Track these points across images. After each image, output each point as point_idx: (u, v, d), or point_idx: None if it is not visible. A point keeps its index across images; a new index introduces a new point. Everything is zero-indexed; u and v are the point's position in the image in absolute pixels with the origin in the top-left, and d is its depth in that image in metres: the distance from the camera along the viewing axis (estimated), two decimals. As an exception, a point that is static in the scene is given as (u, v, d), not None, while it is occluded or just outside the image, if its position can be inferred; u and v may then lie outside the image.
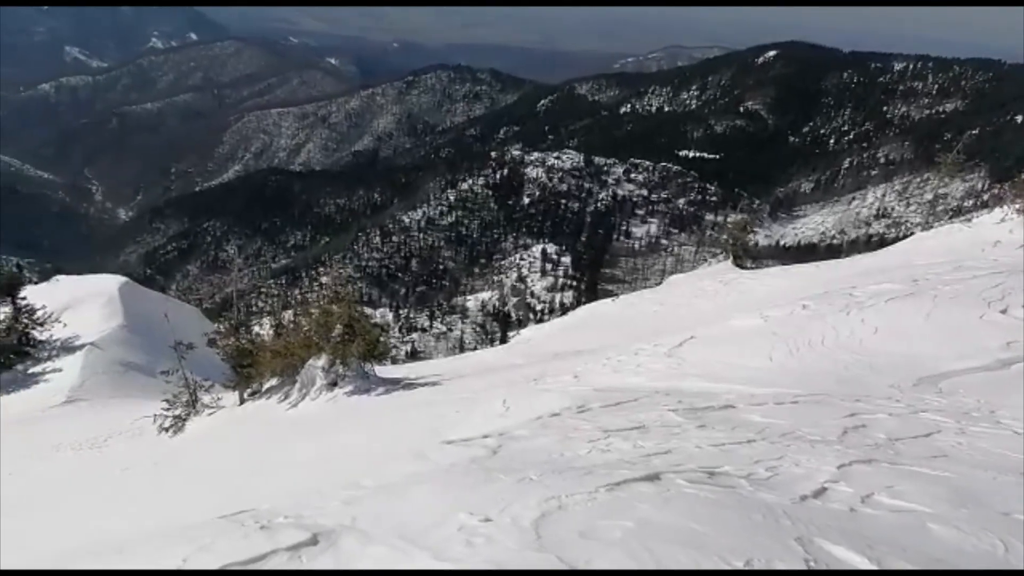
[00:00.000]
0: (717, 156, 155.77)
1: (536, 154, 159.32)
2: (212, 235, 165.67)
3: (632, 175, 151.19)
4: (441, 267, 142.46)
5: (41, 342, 25.67)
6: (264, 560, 2.28)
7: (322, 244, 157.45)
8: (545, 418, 4.80)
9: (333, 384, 10.65)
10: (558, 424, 4.49)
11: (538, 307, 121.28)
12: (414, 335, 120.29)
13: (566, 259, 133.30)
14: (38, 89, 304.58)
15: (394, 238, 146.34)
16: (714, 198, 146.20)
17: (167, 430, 11.68)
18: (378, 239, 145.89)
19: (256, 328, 15.52)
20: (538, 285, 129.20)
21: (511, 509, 2.61)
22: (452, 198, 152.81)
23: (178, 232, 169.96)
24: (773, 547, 2.33)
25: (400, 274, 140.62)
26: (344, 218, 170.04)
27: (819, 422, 4.22)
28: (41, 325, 25.62)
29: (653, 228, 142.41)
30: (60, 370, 24.53)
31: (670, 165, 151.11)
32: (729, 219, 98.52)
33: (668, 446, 3.69)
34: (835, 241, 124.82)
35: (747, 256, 18.58)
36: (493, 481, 3.10)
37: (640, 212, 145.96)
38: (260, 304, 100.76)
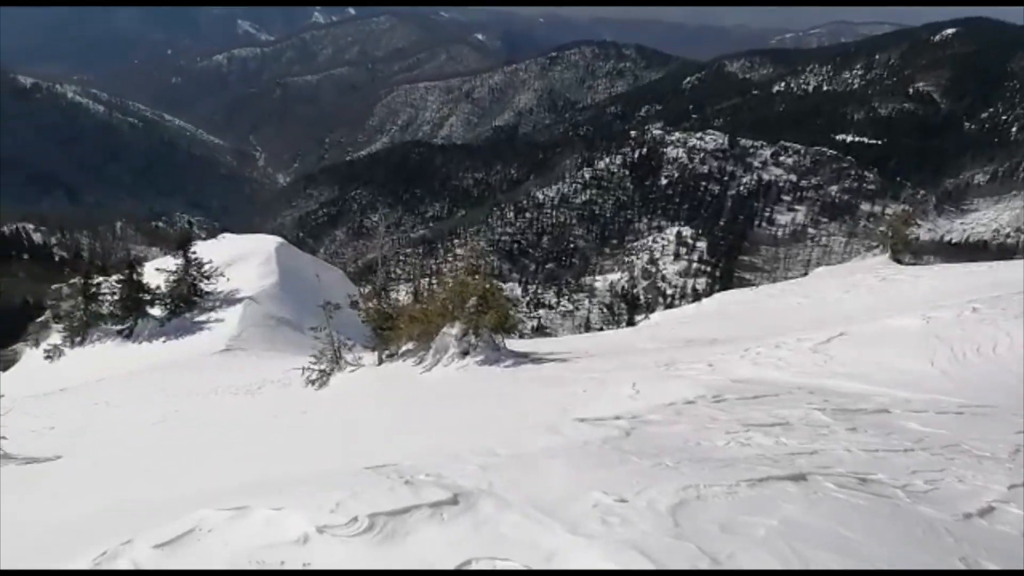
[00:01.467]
0: (879, 141, 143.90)
1: (678, 134, 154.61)
2: (358, 203, 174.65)
3: (781, 158, 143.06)
4: (572, 245, 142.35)
5: (207, 293, 28.27)
6: (408, 513, 2.40)
7: (458, 217, 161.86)
8: (679, 405, 4.69)
9: (465, 353, 10.98)
10: (693, 412, 4.38)
11: (668, 292, 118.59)
12: (540, 311, 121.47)
13: (702, 244, 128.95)
14: (212, 60, 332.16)
15: (527, 214, 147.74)
16: (872, 187, 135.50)
17: (313, 383, 12.53)
18: (512, 214, 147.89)
19: (393, 294, 16.25)
20: (670, 269, 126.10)
21: (647, 493, 2.58)
22: (587, 176, 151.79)
23: (329, 199, 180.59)
24: (933, 564, 2.16)
25: (531, 250, 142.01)
26: (481, 192, 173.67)
27: (987, 436, 3.84)
28: (208, 278, 28.20)
29: (800, 216, 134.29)
30: (222, 320, 26.94)
31: (824, 149, 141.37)
32: (888, 210, 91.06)
33: (814, 446, 3.50)
34: (1010, 240, 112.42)
35: (907, 251, 17.12)
36: (627, 463, 3.08)
37: (786, 198, 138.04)
38: (398, 271, 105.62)
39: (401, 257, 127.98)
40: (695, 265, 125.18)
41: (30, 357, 29.37)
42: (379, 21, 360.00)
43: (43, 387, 19.90)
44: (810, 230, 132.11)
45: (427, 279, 17.89)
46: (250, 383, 14.75)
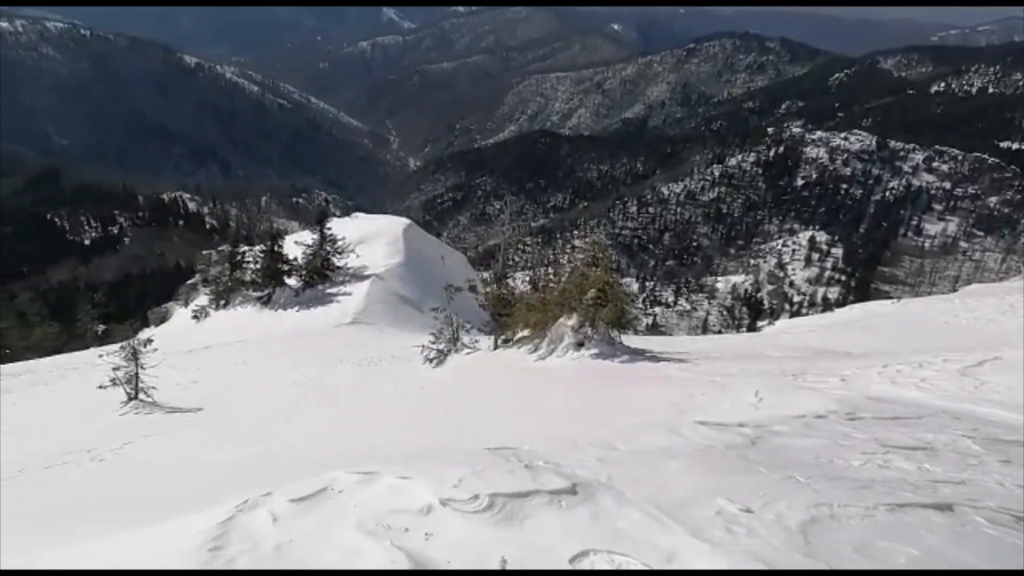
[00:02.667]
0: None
1: (819, 133, 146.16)
2: (483, 190, 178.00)
3: (934, 164, 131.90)
4: (695, 244, 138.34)
5: (338, 268, 29.74)
6: (527, 497, 2.41)
7: (579, 208, 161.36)
8: (808, 418, 4.44)
9: (580, 344, 10.93)
10: (825, 428, 4.12)
11: (796, 299, 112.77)
12: (656, 309, 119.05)
13: (837, 251, 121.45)
14: (358, 46, 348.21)
15: (651, 209, 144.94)
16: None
17: (431, 361, 12.92)
18: (634, 208, 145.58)
19: (511, 281, 16.41)
20: (799, 275, 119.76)
21: (775, 506, 2.46)
22: (717, 173, 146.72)
23: (455, 184, 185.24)
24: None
25: (651, 246, 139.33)
26: (604, 184, 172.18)
27: None
28: (340, 253, 29.65)
29: (951, 227, 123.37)
30: (349, 295, 28.27)
31: (985, 156, 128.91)
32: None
33: (962, 476, 3.20)
34: None
35: (1080, 274, 15.33)
36: (753, 472, 2.95)
37: (938, 207, 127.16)
38: (516, 259, 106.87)
39: (521, 245, 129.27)
40: (827, 273, 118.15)
41: (179, 315, 32.02)
42: (516, 11, 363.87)
43: (189, 344, 21.66)
44: (962, 243, 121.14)
45: (546, 269, 17.90)
46: (372, 356, 15.42)
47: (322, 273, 29.40)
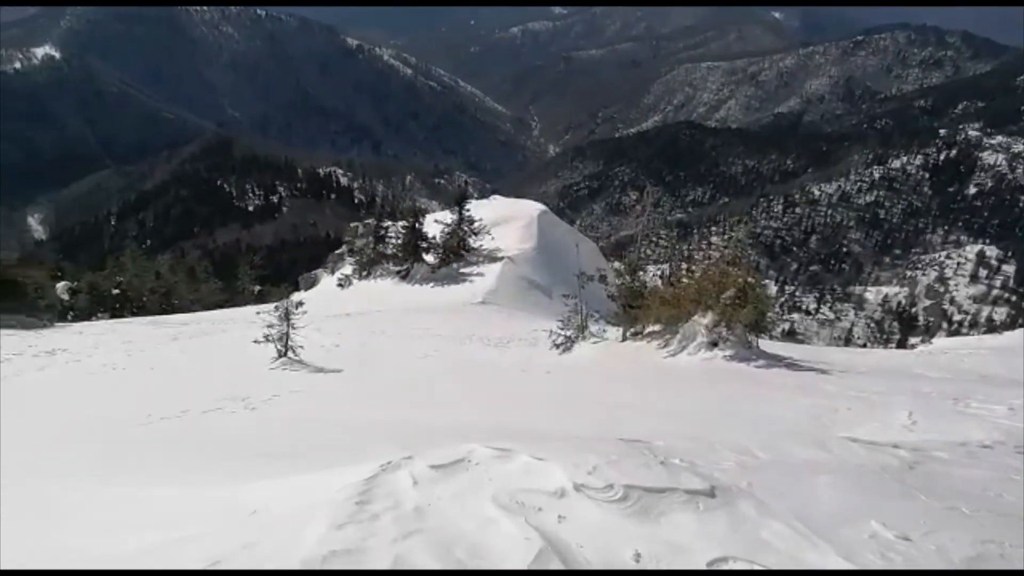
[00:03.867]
0: None
1: (1000, 138, 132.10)
2: (620, 180, 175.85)
3: None
4: (844, 249, 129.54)
5: (473, 249, 30.49)
6: (664, 494, 2.36)
7: (720, 204, 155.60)
8: (972, 447, 4.03)
9: (714, 344, 10.57)
10: (992, 459, 3.73)
11: (956, 317, 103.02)
12: (795, 315, 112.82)
13: (1008, 267, 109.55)
14: (509, 32, 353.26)
15: (797, 209, 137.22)
16: None
17: (558, 347, 12.98)
18: (780, 208, 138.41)
19: (640, 274, 16.11)
20: (962, 292, 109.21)
21: (936, 537, 2.25)
22: (877, 175, 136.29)
23: (592, 172, 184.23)
24: None
25: (795, 248, 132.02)
26: (749, 181, 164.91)
27: None
28: (476, 235, 30.36)
29: None
30: (482, 275, 28.91)
31: None
32: None
33: None
34: None
35: None
36: (911, 498, 2.71)
37: None
38: (649, 252, 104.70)
39: (655, 238, 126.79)
40: (995, 292, 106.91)
41: (326, 282, 34.09)
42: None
43: (333, 309, 23.01)
44: None
45: (681, 263, 17.43)
46: (500, 337, 15.69)
47: (458, 252, 30.25)
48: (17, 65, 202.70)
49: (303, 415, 6.05)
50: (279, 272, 56.45)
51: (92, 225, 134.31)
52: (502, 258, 29.22)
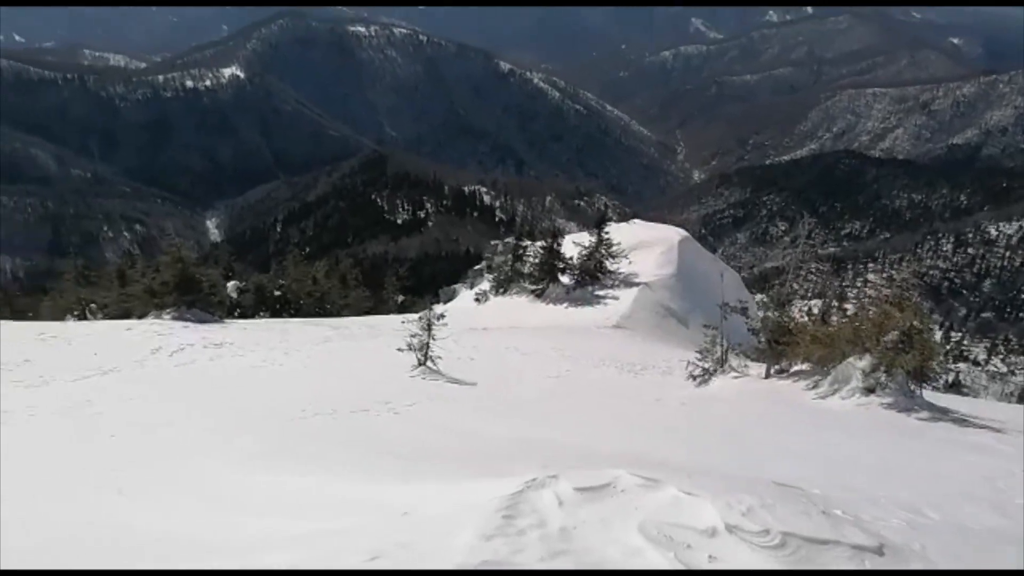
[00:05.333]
0: None
1: None
2: (768, 209, 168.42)
3: None
4: (1022, 296, 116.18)
5: (610, 272, 30.23)
6: (827, 546, 2.20)
7: (880, 239, 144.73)
8: None
9: (870, 390, 9.81)
10: None
11: None
12: (961, 365, 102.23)
13: None
14: (659, 56, 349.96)
15: (970, 249, 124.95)
16: None
17: (694, 378, 12.55)
18: (949, 247, 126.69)
19: (789, 308, 15.27)
20: None
21: None
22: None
23: (738, 200, 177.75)
24: None
25: (965, 292, 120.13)
26: (914, 216, 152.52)
27: None
28: (613, 258, 30.08)
29: None
30: (617, 299, 28.57)
31: None
32: None
33: None
34: None
35: None
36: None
37: None
38: (796, 285, 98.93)
39: (804, 271, 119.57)
40: None
41: (464, 296, 35.07)
42: (837, 21, 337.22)
43: (470, 323, 23.61)
44: None
45: (831, 300, 16.43)
46: (634, 362, 15.42)
47: (594, 274, 30.09)
48: (208, 83, 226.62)
49: (442, 423, 6.24)
50: (421, 284, 58.84)
51: (260, 231, 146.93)
52: (639, 283, 28.75)
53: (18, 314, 23.65)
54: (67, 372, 10.19)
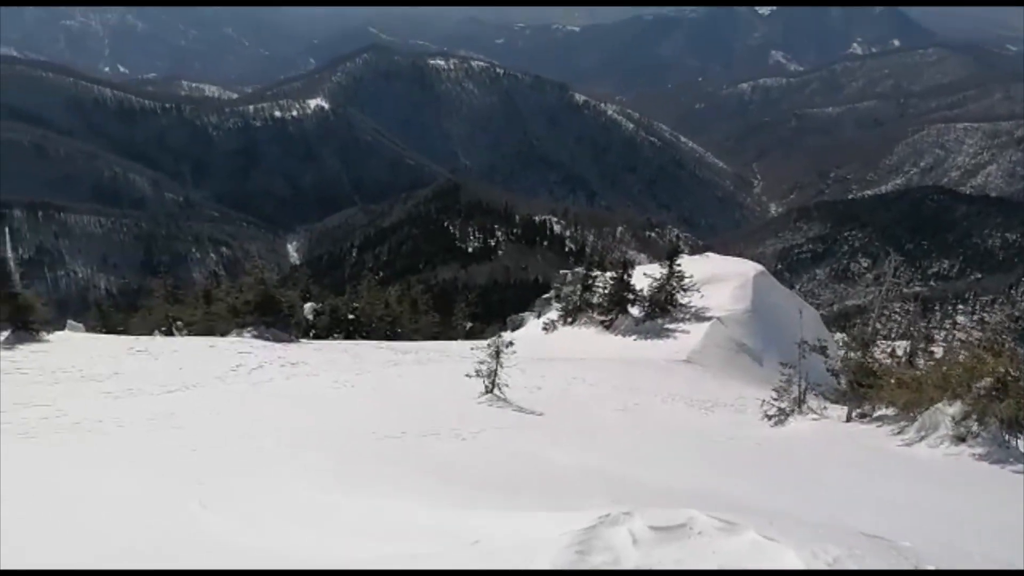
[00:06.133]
0: None
1: None
2: (849, 245, 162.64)
3: None
4: None
5: (681, 305, 29.68)
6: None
7: (970, 280, 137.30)
8: None
9: (960, 439, 9.24)
10: None
11: None
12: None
13: None
14: (737, 88, 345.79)
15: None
16: None
17: (769, 418, 12.12)
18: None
19: (873, 349, 14.61)
20: None
21: None
22: None
23: (817, 235, 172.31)
24: None
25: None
26: (1008, 256, 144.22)
27: None
28: (685, 291, 29.53)
29: None
30: (687, 333, 27.92)
31: None
32: None
33: None
34: None
35: None
36: None
37: None
38: (879, 325, 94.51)
39: (888, 311, 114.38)
40: None
41: (532, 325, 35.05)
42: (925, 53, 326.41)
43: (537, 352, 23.56)
44: None
45: (921, 342, 15.68)
46: (705, 399, 15.02)
47: (664, 307, 29.59)
48: (294, 113, 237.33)
49: (509, 451, 6.22)
50: (489, 311, 59.27)
51: (337, 255, 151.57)
52: (711, 317, 28.08)
53: (111, 329, 25.04)
54: (153, 385, 10.70)
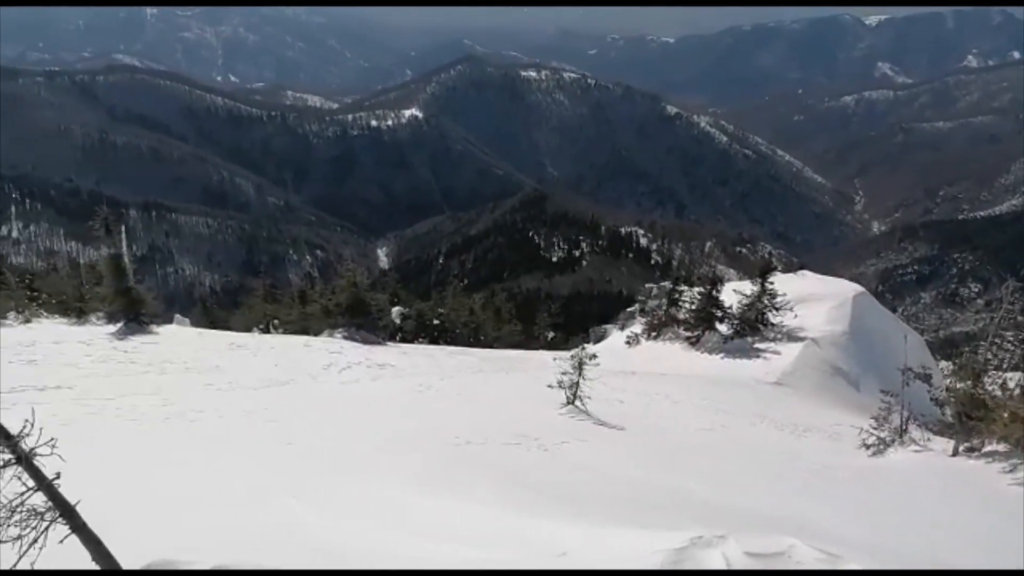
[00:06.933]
0: None
1: None
2: (959, 267, 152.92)
3: None
4: None
5: (772, 324, 28.61)
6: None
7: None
8: None
9: (1083, 481, 8.50)
10: None
11: None
12: None
13: None
14: (840, 101, 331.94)
15: None
16: None
17: (868, 447, 11.51)
18: None
19: (985, 380, 13.63)
20: None
21: None
22: None
23: (923, 256, 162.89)
24: None
25: None
26: None
27: None
28: (777, 310, 28.42)
29: None
30: (778, 354, 26.85)
31: None
32: None
33: None
34: None
35: None
36: None
37: None
38: (990, 355, 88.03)
39: (1001, 339, 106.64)
40: None
41: (614, 338, 34.63)
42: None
43: (619, 366, 23.27)
44: None
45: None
46: (796, 423, 14.41)
47: (755, 326, 28.61)
48: (389, 123, 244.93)
49: (592, 465, 6.16)
50: (571, 321, 58.98)
51: (424, 261, 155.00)
52: (804, 338, 26.95)
53: (214, 324, 26.49)
54: (252, 379, 11.24)
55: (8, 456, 2.41)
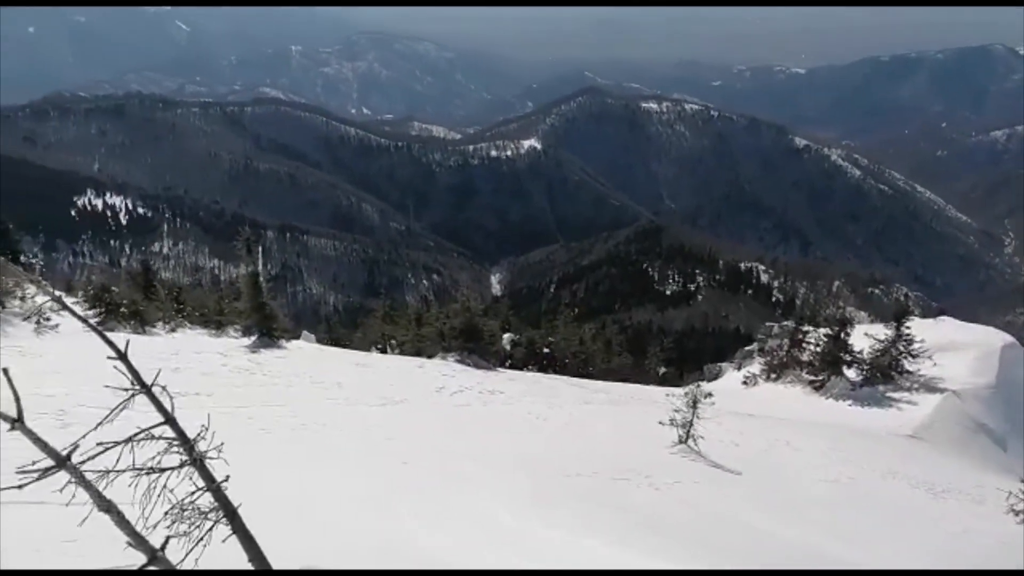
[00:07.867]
0: None
1: None
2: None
3: None
4: None
5: (908, 372, 26.58)
6: None
7: None
8: None
9: None
10: None
11: None
12: None
13: None
14: (989, 136, 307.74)
15: None
16: None
17: (1016, 513, 10.42)
18: None
19: None
20: None
21: None
22: None
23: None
24: None
25: None
26: None
27: None
28: (914, 357, 26.40)
29: None
30: (914, 404, 24.89)
31: None
32: None
33: None
34: None
35: None
36: None
37: None
38: None
39: None
40: None
41: (730, 377, 33.36)
42: None
43: (735, 407, 22.36)
44: None
45: None
46: (932, 482, 13.28)
47: (887, 373, 26.76)
48: (509, 152, 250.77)
49: (707, 509, 5.93)
50: (684, 357, 57.38)
51: (536, 289, 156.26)
52: (944, 389, 24.89)
53: (337, 341, 27.81)
54: (370, 397, 11.67)
55: (184, 458, 2.62)
